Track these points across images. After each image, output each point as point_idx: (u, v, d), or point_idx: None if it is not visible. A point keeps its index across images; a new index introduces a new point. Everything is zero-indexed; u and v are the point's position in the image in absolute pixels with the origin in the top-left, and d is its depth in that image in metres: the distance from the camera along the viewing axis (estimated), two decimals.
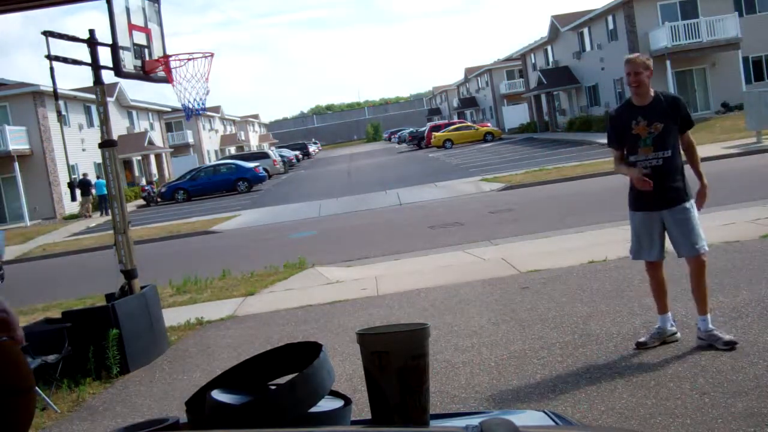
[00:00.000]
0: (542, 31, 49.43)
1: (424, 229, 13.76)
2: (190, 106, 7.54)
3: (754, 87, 28.82)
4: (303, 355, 1.63)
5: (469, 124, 54.41)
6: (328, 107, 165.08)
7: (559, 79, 42.55)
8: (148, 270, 10.38)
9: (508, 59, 61.40)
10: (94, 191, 30.86)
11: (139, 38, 7.15)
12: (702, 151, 20.95)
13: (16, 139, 31.25)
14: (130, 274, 7.17)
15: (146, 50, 7.26)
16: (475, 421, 1.09)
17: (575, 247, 9.57)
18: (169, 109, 51.35)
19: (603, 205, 13.83)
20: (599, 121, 34.78)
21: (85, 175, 31.77)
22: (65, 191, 31.66)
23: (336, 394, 1.64)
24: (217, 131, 67.98)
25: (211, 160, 55.90)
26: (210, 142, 63.53)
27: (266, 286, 9.86)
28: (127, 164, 41.19)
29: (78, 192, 31.16)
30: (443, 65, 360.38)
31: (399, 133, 73.64)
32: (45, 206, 31.99)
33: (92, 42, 6.90)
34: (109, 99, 10.36)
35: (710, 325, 5.06)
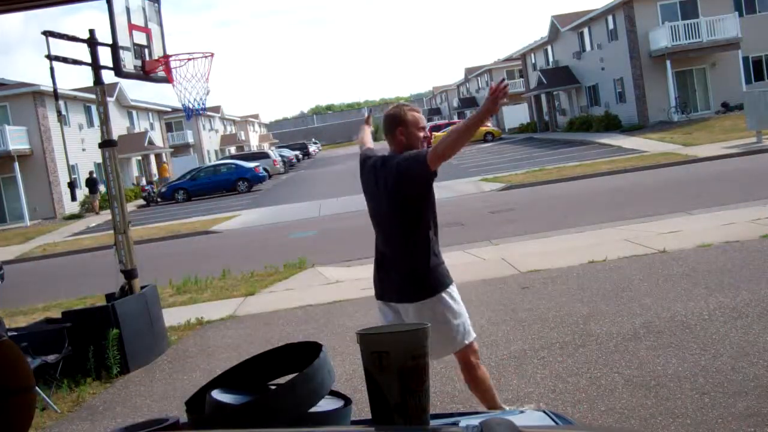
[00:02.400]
0: (542, 31, 49.47)
1: None
2: (191, 106, 7.54)
3: (754, 87, 28.80)
4: (303, 355, 1.63)
5: None
6: (328, 107, 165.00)
7: (559, 79, 42.52)
8: (148, 270, 10.39)
9: (508, 59, 61.35)
10: (102, 188, 31.04)
11: (139, 38, 7.15)
12: (702, 151, 20.90)
13: (16, 139, 31.23)
14: (130, 274, 7.17)
15: (146, 50, 7.26)
16: (475, 421, 1.09)
17: (575, 247, 9.57)
18: (169, 109, 51.30)
19: (603, 205, 13.83)
20: (599, 121, 34.78)
21: (91, 173, 32.23)
22: (65, 191, 31.68)
23: (336, 394, 1.64)
24: (217, 131, 67.95)
25: (211, 160, 55.88)
26: (210, 142, 63.51)
27: (266, 286, 9.86)
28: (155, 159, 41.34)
29: (86, 190, 31.98)
30: (443, 65, 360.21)
31: None
32: (45, 206, 31.97)
33: (92, 42, 6.90)
34: (109, 99, 10.37)
35: None
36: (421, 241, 3.58)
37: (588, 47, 39.11)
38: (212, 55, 7.34)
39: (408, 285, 3.56)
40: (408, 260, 3.59)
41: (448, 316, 3.57)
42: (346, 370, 5.45)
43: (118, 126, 39.57)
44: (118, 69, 6.84)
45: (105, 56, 6.91)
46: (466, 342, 3.67)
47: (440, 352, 3.64)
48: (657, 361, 4.89)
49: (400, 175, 3.55)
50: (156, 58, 7.34)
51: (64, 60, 6.79)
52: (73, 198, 31.06)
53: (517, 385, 4.84)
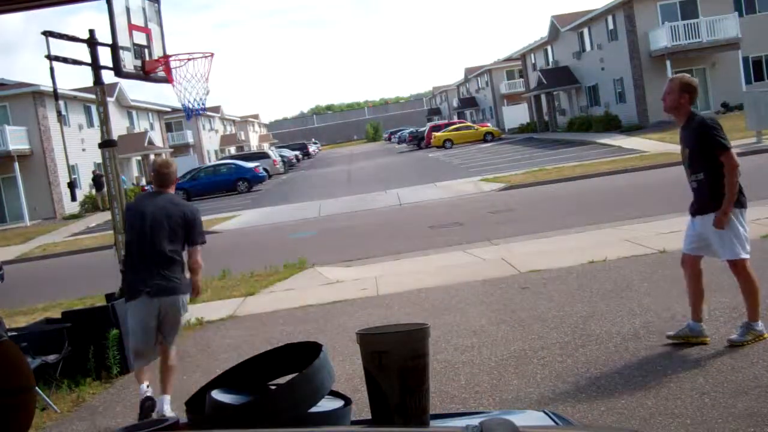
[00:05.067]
0: (542, 31, 49.46)
1: (424, 229, 13.75)
2: (190, 106, 7.54)
3: (754, 87, 28.81)
4: (303, 355, 1.62)
5: (469, 124, 54.38)
6: (328, 107, 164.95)
7: (559, 79, 42.52)
8: None
9: (508, 59, 61.36)
10: None
11: (139, 38, 7.15)
12: None
13: (16, 139, 31.24)
14: None
15: (146, 50, 7.26)
16: (475, 421, 1.09)
17: (575, 247, 9.56)
18: (169, 109, 51.29)
19: (603, 205, 13.83)
20: (599, 121, 34.77)
21: (98, 171, 32.52)
22: (65, 191, 31.69)
23: (336, 394, 1.64)
24: (217, 131, 67.95)
25: (211, 160, 55.88)
26: (210, 142, 63.50)
27: (266, 286, 9.86)
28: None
29: (87, 190, 32.60)
30: (443, 65, 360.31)
31: (399, 133, 73.57)
32: (45, 206, 31.97)
33: (92, 42, 6.90)
34: (109, 99, 10.37)
35: None
36: None
37: (588, 47, 39.11)
38: (212, 55, 7.35)
39: None
40: None
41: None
42: (346, 370, 5.44)
43: (118, 126, 39.55)
44: (118, 69, 6.84)
45: (105, 56, 6.92)
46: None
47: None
48: (657, 361, 4.89)
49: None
50: (156, 58, 7.34)
51: (64, 60, 6.80)
52: (73, 198, 30.96)
53: (517, 385, 4.84)
